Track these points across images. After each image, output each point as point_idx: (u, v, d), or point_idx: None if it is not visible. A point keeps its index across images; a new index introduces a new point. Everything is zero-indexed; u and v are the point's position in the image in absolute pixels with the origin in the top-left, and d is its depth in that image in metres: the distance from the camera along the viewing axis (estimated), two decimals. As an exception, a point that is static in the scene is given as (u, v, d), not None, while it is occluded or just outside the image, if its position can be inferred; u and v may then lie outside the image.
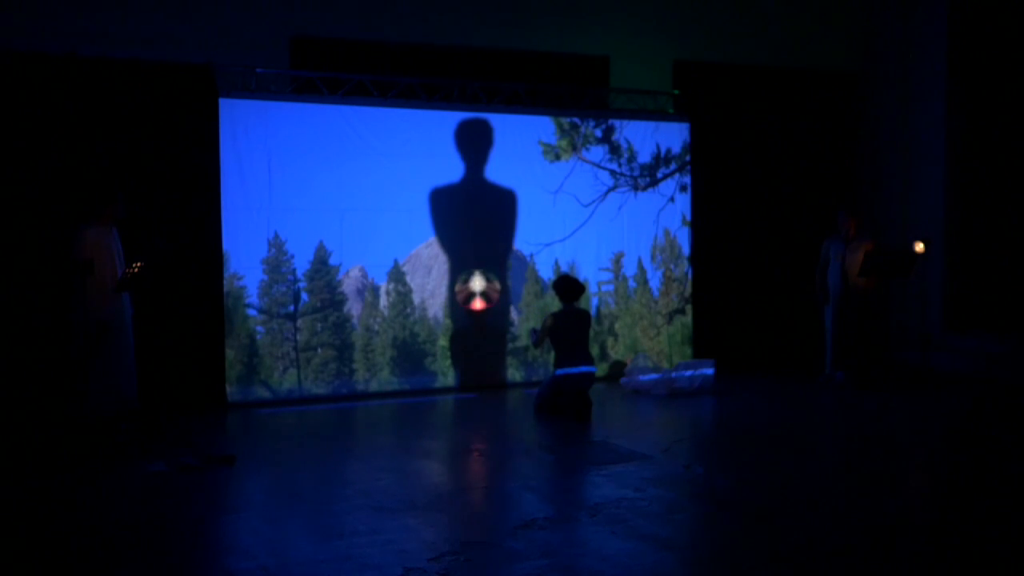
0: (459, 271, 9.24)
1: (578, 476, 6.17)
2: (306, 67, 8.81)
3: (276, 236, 8.53)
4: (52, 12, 8.07)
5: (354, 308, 8.86)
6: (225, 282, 8.32)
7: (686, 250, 10.19)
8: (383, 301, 8.99)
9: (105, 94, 7.83)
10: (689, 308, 10.22)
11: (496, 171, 9.38)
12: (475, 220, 9.30)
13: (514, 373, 9.48)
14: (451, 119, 9.17)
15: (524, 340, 9.45)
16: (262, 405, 8.41)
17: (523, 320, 9.36)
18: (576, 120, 9.67)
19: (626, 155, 9.90)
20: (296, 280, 8.62)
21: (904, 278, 9.36)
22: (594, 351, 9.23)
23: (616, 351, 9.90)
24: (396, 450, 6.82)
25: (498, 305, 9.39)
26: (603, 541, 4.64)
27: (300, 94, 8.69)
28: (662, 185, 10.07)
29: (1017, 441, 6.90)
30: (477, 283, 8.74)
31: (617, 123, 9.86)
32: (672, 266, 10.13)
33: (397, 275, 9.04)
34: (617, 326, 9.92)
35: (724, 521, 5.08)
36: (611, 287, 9.89)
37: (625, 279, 9.95)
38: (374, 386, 8.92)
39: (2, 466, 6.24)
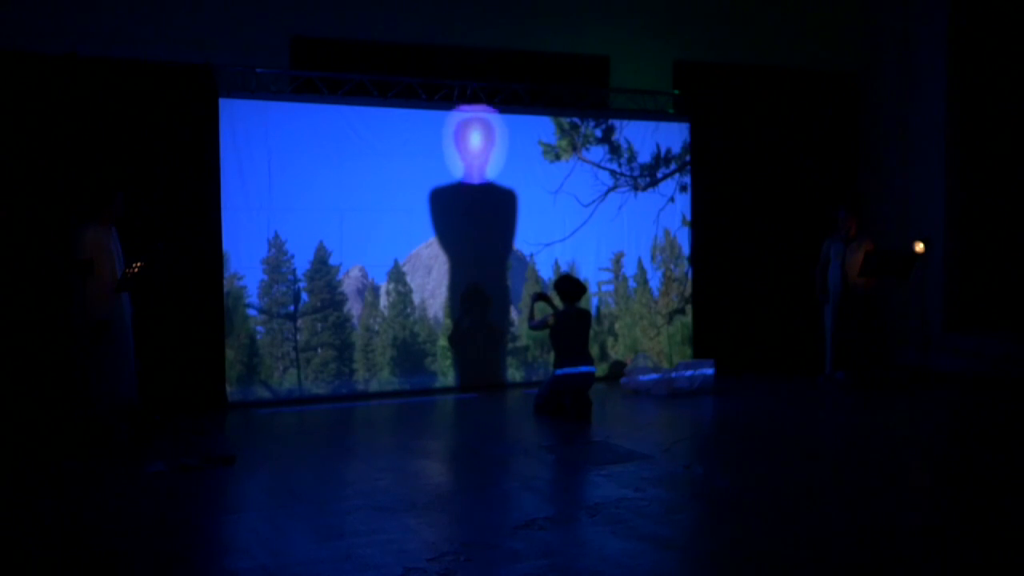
0: (459, 271, 9.24)
1: (578, 476, 6.17)
2: (306, 67, 8.81)
3: (276, 236, 8.53)
4: (52, 12, 8.07)
5: (354, 308, 8.86)
6: (225, 282, 8.32)
7: (686, 250, 10.19)
8: (383, 301, 8.99)
9: (105, 94, 7.83)
10: (689, 308, 10.22)
11: (496, 171, 9.38)
12: (475, 220, 9.30)
13: (514, 373, 9.47)
14: (451, 119, 9.17)
15: (524, 340, 9.46)
16: (262, 405, 8.41)
17: (523, 320, 9.36)
18: (576, 120, 9.67)
19: (626, 155, 9.90)
20: (296, 280, 8.62)
21: (903, 279, 9.37)
22: (594, 351, 9.23)
23: (616, 351, 9.90)
24: (396, 450, 6.82)
25: (498, 305, 9.41)
26: (603, 541, 4.63)
27: (300, 94, 8.69)
28: (662, 185, 10.07)
29: (1018, 441, 6.90)
30: None
31: (617, 123, 9.86)
32: (672, 266, 10.13)
33: (397, 275, 9.04)
34: (617, 326, 9.92)
35: (724, 521, 5.07)
36: (611, 287, 9.89)
37: (625, 279, 9.95)
38: (374, 386, 8.92)
39: (2, 466, 6.24)
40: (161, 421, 7.25)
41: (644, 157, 9.98)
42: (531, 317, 8.25)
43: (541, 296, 8.24)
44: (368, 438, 7.48)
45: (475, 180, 9.27)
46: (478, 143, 9.26)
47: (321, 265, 8.72)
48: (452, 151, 9.19)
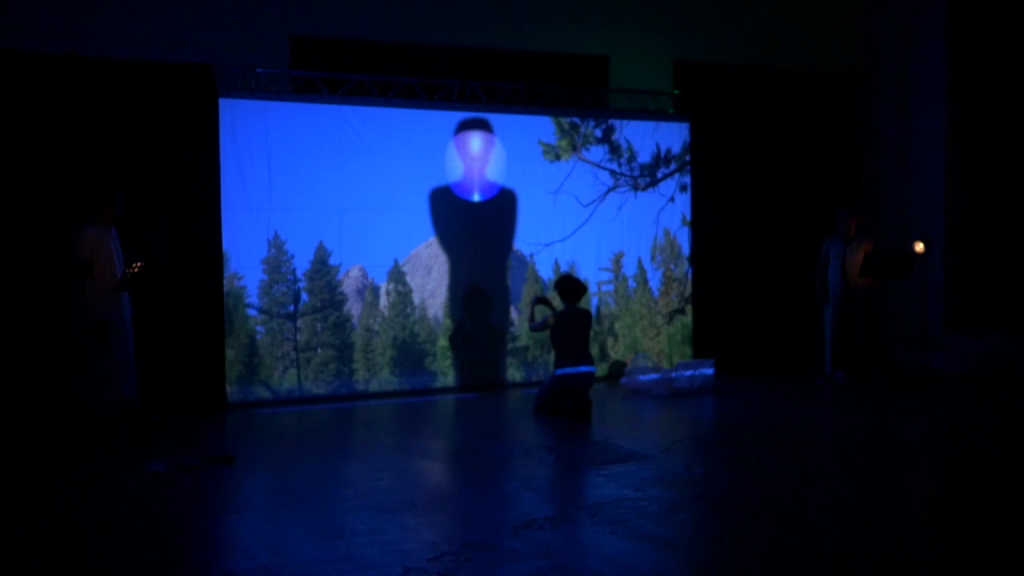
0: (459, 271, 9.23)
1: (578, 476, 6.17)
2: (306, 67, 8.81)
3: (276, 236, 8.53)
4: (52, 12, 8.07)
5: (354, 308, 8.86)
6: (225, 282, 8.31)
7: (686, 250, 10.19)
8: (383, 301, 8.99)
9: (105, 94, 7.83)
10: (689, 308, 10.22)
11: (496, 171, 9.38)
12: (475, 220, 9.30)
13: (514, 373, 9.47)
14: (451, 119, 9.17)
15: (524, 340, 9.46)
16: (262, 405, 8.40)
17: (523, 320, 9.36)
18: (576, 120, 9.67)
19: (626, 155, 9.90)
20: (296, 280, 8.62)
21: (904, 279, 9.37)
22: (594, 351, 9.23)
23: (616, 351, 9.90)
24: (396, 450, 6.82)
25: (498, 305, 9.41)
26: (603, 541, 4.63)
27: (300, 94, 8.69)
28: (662, 185, 10.07)
29: (1017, 441, 6.90)
30: None
31: (617, 123, 9.86)
32: (672, 266, 10.13)
33: (397, 275, 9.04)
34: (617, 326, 9.92)
35: (724, 521, 5.07)
36: (611, 287, 9.89)
37: (625, 279, 9.95)
38: (374, 386, 8.92)
39: (2, 466, 6.24)
40: (161, 421, 7.24)
41: (644, 157, 9.98)
42: (531, 319, 8.25)
43: (541, 300, 8.25)
44: (368, 438, 7.48)
45: (476, 198, 9.27)
46: (478, 152, 9.25)
47: (321, 265, 8.72)
48: (455, 164, 9.19)
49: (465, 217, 9.27)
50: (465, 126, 9.22)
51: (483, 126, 9.29)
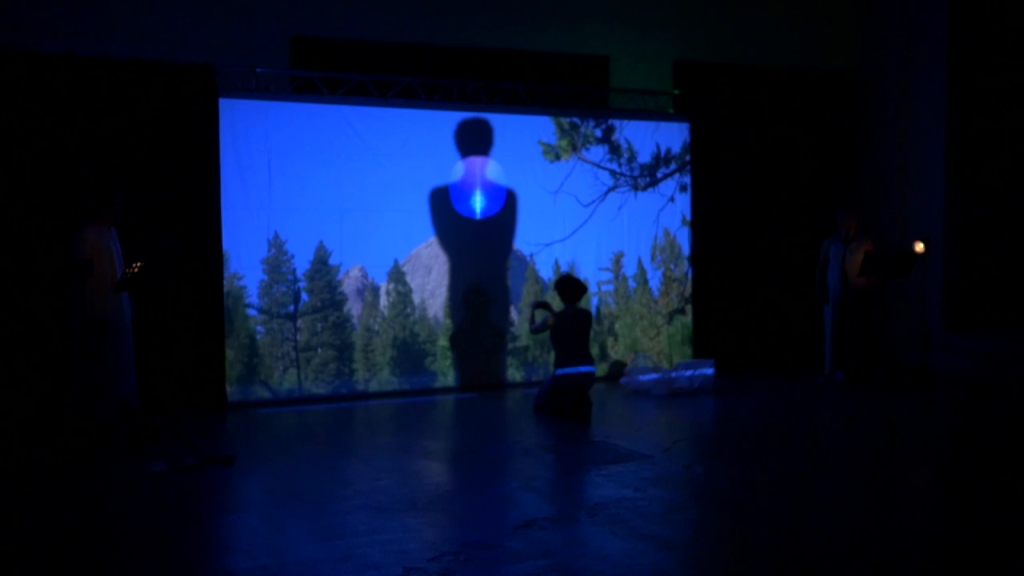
0: (459, 271, 9.24)
1: (578, 476, 6.17)
2: (306, 67, 8.81)
3: (276, 236, 8.53)
4: (52, 12, 8.08)
5: (354, 308, 8.86)
6: (225, 282, 8.32)
7: (686, 250, 10.19)
8: (383, 301, 8.99)
9: (105, 94, 7.83)
10: (689, 308, 10.22)
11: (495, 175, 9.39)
12: (475, 220, 9.31)
13: (514, 373, 9.47)
14: (451, 119, 9.17)
15: (524, 340, 9.46)
16: (262, 405, 8.41)
17: (523, 320, 9.36)
18: (576, 120, 9.67)
19: (626, 155, 9.90)
20: (296, 280, 8.62)
21: (904, 279, 9.37)
22: (594, 351, 9.23)
23: (616, 351, 9.90)
24: (396, 450, 6.82)
25: (498, 305, 9.41)
26: (603, 541, 4.63)
27: (300, 94, 8.69)
28: (662, 185, 10.07)
29: (1018, 441, 6.90)
30: None
31: (617, 123, 9.86)
32: (672, 266, 10.13)
33: (397, 275, 9.04)
34: (617, 326, 9.92)
35: (724, 521, 5.07)
36: (611, 287, 9.89)
37: (625, 279, 9.95)
38: (374, 386, 8.92)
39: (2, 466, 6.24)
40: (161, 421, 7.25)
41: (644, 157, 9.98)
42: (531, 321, 8.26)
43: (540, 304, 8.25)
44: (368, 438, 7.48)
45: (476, 210, 9.28)
46: (479, 174, 9.26)
47: (321, 265, 8.72)
48: (453, 151, 9.20)
49: (465, 217, 9.26)
50: (468, 150, 9.21)
51: (483, 150, 9.28)
